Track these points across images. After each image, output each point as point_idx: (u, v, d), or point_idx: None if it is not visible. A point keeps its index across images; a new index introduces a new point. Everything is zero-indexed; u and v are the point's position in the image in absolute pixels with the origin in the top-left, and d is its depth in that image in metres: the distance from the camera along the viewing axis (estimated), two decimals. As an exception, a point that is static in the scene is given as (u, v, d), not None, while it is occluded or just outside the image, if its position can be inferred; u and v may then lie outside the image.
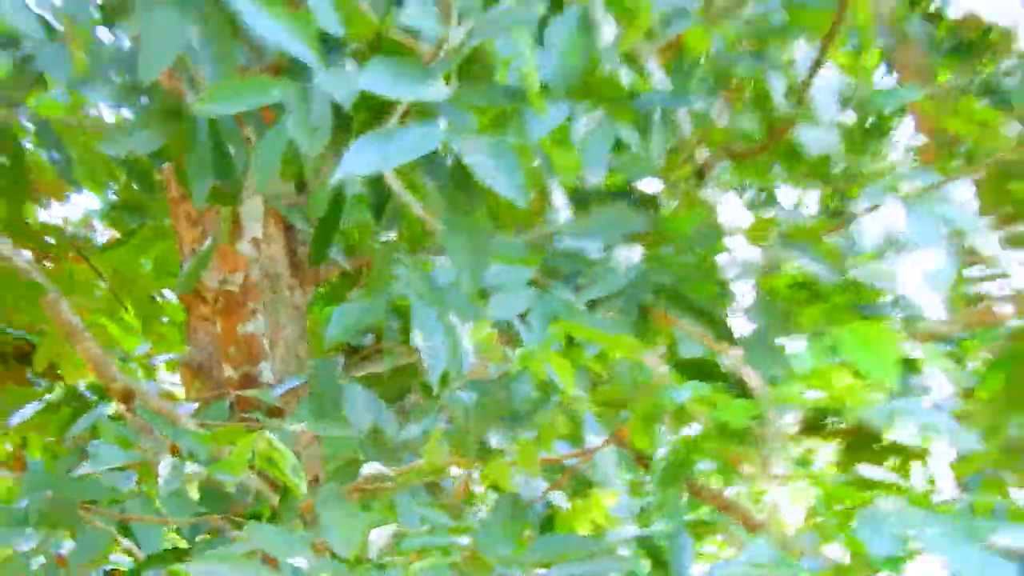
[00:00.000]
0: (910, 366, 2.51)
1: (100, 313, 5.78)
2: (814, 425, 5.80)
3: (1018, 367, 3.41)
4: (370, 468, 3.03)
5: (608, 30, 2.87)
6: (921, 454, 4.70)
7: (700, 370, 2.71)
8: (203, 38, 2.71)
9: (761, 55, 2.91)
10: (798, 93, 2.84)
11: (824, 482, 2.73)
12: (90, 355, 3.75)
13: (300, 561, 2.70)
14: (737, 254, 2.81)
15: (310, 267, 4.13)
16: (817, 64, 2.75)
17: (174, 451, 3.25)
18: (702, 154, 3.12)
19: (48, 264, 5.61)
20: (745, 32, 2.96)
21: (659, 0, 2.78)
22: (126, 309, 5.77)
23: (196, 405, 3.78)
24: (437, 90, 2.61)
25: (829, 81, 2.92)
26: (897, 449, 5.25)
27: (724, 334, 2.74)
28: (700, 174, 3.14)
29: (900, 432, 2.31)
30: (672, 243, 2.76)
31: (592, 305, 2.71)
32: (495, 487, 3.01)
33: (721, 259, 2.80)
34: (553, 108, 2.70)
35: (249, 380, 3.99)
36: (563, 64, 2.77)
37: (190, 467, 3.18)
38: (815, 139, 2.80)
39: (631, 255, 2.74)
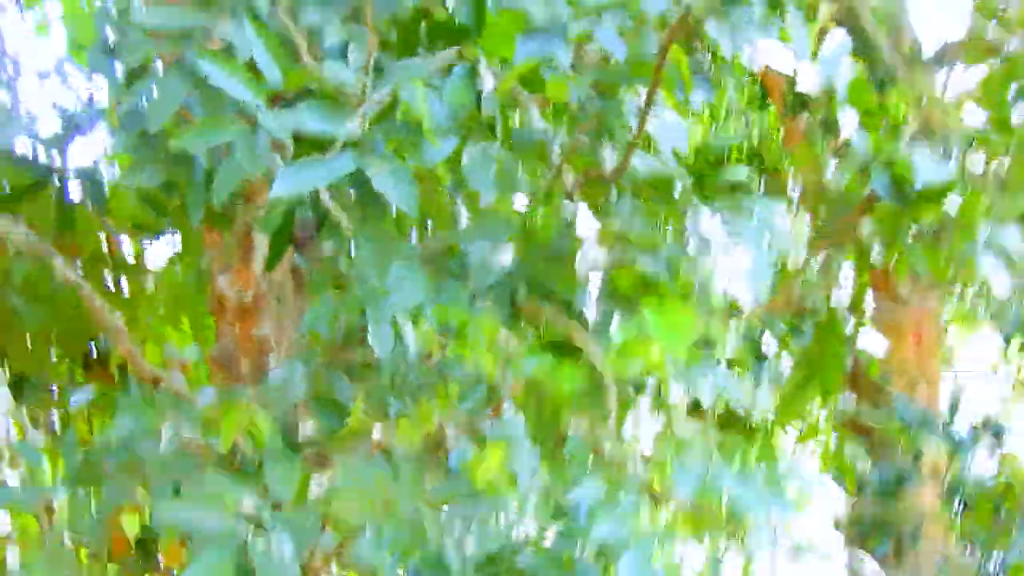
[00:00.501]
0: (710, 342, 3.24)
1: (164, 322, 6.77)
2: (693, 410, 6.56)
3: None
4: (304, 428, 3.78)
5: (489, 80, 3.65)
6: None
7: (561, 349, 3.47)
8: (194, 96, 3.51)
9: (610, 97, 3.69)
10: (638, 130, 3.60)
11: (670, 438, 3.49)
12: (127, 351, 4.78)
13: (246, 503, 3.48)
14: (589, 254, 3.58)
15: (267, 272, 4.95)
16: (647, 106, 3.51)
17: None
18: (568, 178, 3.89)
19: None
20: (601, 79, 3.74)
21: (527, 50, 3.51)
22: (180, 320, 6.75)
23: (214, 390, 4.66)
24: (352, 126, 3.39)
25: (667, 121, 3.69)
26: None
27: (579, 319, 3.50)
28: (570, 195, 3.90)
29: (700, 392, 3.00)
30: (539, 246, 3.52)
31: (475, 297, 3.47)
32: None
33: (577, 259, 3.56)
34: (445, 141, 3.45)
35: (259, 370, 5.01)
36: (453, 106, 3.52)
37: (187, 432, 3.99)
38: (648, 166, 3.56)
39: (504, 256, 3.50)
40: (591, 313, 3.50)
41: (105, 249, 6.46)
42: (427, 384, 3.67)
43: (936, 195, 3.38)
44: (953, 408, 11.27)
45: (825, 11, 3.60)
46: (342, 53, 3.66)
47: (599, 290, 3.56)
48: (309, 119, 3.36)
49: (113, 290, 6.57)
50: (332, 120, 3.38)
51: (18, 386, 6.58)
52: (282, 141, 3.37)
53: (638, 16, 3.55)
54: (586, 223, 3.60)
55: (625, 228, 3.60)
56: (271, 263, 4.11)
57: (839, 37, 3.48)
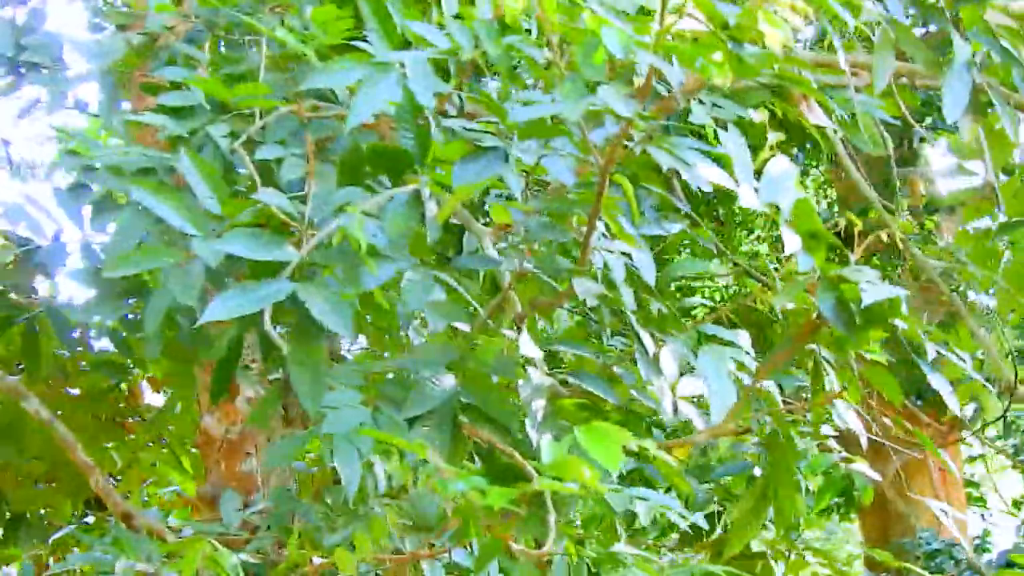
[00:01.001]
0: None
1: (167, 464, 6.83)
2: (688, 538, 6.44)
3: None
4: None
5: (432, 206, 3.65)
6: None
7: (504, 471, 3.41)
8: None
9: (554, 225, 3.68)
10: (581, 257, 3.58)
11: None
12: (101, 488, 4.80)
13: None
14: (534, 379, 3.53)
15: (212, 402, 4.90)
16: (587, 235, 3.49)
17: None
18: (516, 306, 3.86)
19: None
20: (547, 206, 3.73)
21: (465, 175, 3.50)
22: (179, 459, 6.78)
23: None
24: (287, 253, 3.37)
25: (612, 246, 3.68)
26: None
27: (519, 442, 3.44)
28: (517, 321, 3.87)
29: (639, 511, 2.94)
30: (479, 371, 3.47)
31: (415, 420, 3.41)
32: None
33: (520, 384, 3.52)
34: (383, 266, 3.43)
35: (246, 507, 4.97)
36: (393, 231, 3.50)
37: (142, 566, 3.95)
38: (587, 290, 3.53)
39: (445, 380, 3.46)
40: (534, 436, 3.44)
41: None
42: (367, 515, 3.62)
43: (881, 316, 3.33)
44: (980, 542, 11.10)
45: (773, 138, 3.61)
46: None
47: (542, 414, 3.51)
48: (242, 247, 3.35)
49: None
50: (267, 248, 3.37)
51: (15, 526, 6.56)
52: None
53: (582, 144, 3.54)
54: (528, 348, 3.55)
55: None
56: (215, 395, 4.06)
57: (784, 163, 3.46)
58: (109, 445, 6.59)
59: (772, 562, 6.75)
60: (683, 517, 2.90)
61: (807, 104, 3.84)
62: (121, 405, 6.65)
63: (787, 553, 6.90)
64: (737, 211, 10.09)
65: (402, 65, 3.54)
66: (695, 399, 3.81)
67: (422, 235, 3.76)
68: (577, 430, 2.75)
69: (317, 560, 3.73)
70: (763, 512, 4.25)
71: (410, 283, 3.46)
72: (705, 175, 3.30)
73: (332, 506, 3.88)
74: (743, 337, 4.01)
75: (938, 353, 3.54)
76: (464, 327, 3.54)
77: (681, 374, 3.88)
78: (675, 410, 3.70)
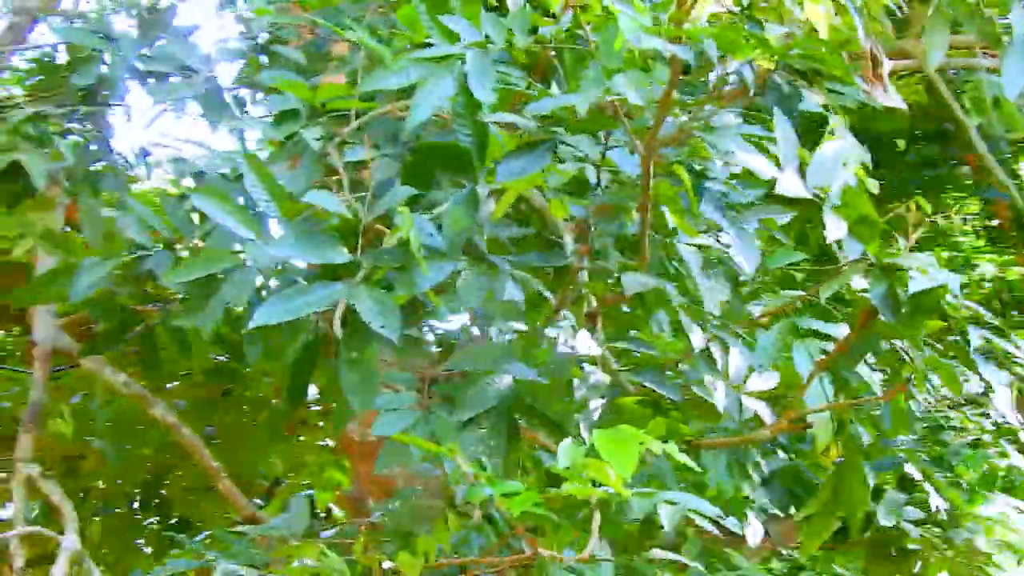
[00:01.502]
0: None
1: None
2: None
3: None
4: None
5: (491, 204, 3.60)
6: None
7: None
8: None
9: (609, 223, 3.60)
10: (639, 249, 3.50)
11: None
12: (226, 488, 4.91)
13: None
14: (592, 378, 3.47)
15: (288, 408, 4.95)
16: (642, 227, 3.40)
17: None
18: (592, 303, 3.80)
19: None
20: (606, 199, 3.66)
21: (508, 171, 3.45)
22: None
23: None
24: (339, 254, 3.38)
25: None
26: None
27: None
28: (592, 317, 3.80)
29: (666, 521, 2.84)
30: (536, 370, 3.41)
31: (470, 422, 3.38)
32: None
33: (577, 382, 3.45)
34: (436, 268, 3.40)
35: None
36: (450, 231, 3.47)
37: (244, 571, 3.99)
38: (635, 283, 3.44)
39: (502, 382, 3.41)
40: (587, 436, 3.37)
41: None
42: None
43: (933, 304, 3.16)
44: None
45: (834, 121, 3.45)
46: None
47: (598, 413, 3.44)
48: (294, 250, 3.36)
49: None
50: (319, 250, 3.38)
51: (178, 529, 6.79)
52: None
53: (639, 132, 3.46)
54: (587, 345, 3.48)
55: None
56: (293, 400, 4.08)
57: (837, 145, 3.31)
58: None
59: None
60: (714, 521, 2.78)
61: (879, 85, 3.66)
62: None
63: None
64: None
65: (462, 62, 3.51)
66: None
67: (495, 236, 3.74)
68: (594, 433, 2.68)
69: (387, 564, 3.72)
70: (835, 510, 4.10)
71: (465, 282, 3.43)
72: (745, 161, 3.18)
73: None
74: (842, 330, 3.87)
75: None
76: (521, 327, 3.48)
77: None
78: (740, 406, 3.60)
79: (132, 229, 3.99)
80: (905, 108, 3.77)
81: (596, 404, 3.45)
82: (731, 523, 2.78)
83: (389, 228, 3.47)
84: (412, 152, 3.72)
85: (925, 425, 6.61)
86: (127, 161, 7.59)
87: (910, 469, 6.37)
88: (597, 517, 2.89)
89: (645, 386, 3.54)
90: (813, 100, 4.94)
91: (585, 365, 3.49)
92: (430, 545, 3.51)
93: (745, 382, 3.75)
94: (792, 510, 5.17)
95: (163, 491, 6.98)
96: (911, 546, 6.51)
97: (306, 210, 3.56)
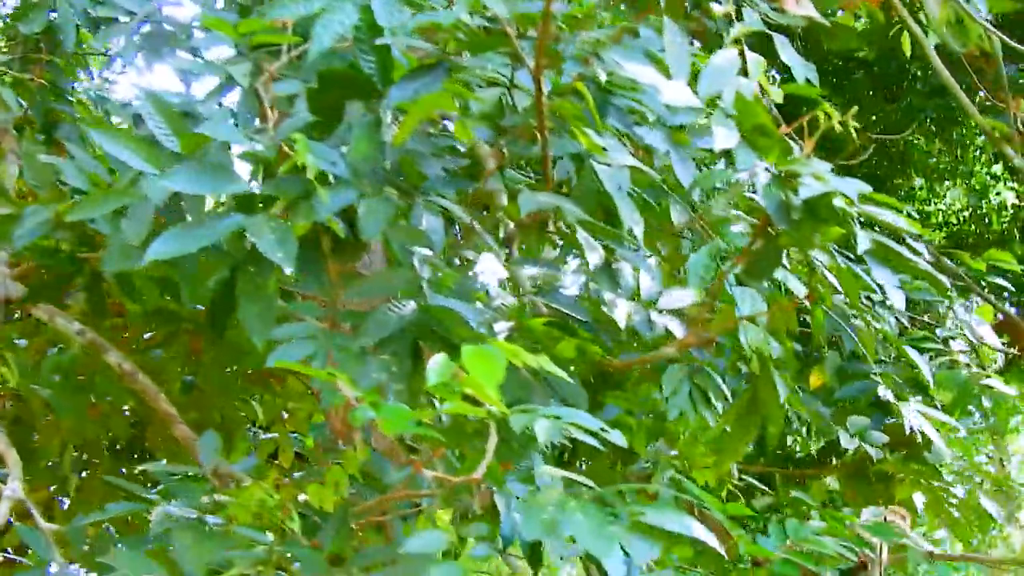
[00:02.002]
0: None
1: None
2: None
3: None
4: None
5: (391, 130, 3.56)
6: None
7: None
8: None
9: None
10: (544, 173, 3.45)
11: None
12: (183, 437, 4.87)
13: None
14: (497, 301, 3.42)
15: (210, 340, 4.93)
16: (543, 148, 3.34)
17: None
18: (508, 227, 3.75)
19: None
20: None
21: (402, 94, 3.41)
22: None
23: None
24: (237, 185, 3.34)
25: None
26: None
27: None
28: (508, 240, 3.76)
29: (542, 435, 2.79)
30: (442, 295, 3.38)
31: (373, 349, 3.35)
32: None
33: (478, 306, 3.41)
34: (337, 195, 3.35)
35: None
36: (352, 159, 3.43)
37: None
38: (532, 202, 3.39)
39: (406, 308, 3.37)
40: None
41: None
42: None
43: (825, 211, 3.09)
44: None
45: (737, 30, 3.38)
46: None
47: (504, 336, 3.40)
48: (188, 182, 3.33)
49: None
50: (214, 182, 3.35)
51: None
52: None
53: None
54: (491, 269, 3.44)
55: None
56: (211, 338, 4.04)
57: (730, 54, 3.24)
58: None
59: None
60: (596, 435, 2.73)
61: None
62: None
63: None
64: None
65: (363, -11, 3.47)
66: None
67: (410, 161, 3.70)
68: (463, 349, 2.64)
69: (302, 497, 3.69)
70: (752, 427, 4.05)
71: (367, 209, 3.38)
72: (632, 72, 3.12)
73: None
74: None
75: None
76: (428, 252, 3.44)
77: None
78: (650, 323, 3.55)
79: (70, 174, 3.95)
80: (823, 20, 3.70)
81: (503, 327, 3.42)
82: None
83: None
84: (316, 80, 3.67)
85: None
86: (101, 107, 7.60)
87: (885, 392, 6.33)
88: (493, 437, 2.86)
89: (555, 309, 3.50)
90: (755, 18, 4.88)
91: (491, 288, 3.44)
92: (340, 476, 3.48)
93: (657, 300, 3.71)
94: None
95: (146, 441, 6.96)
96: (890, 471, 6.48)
97: (207, 143, 3.53)
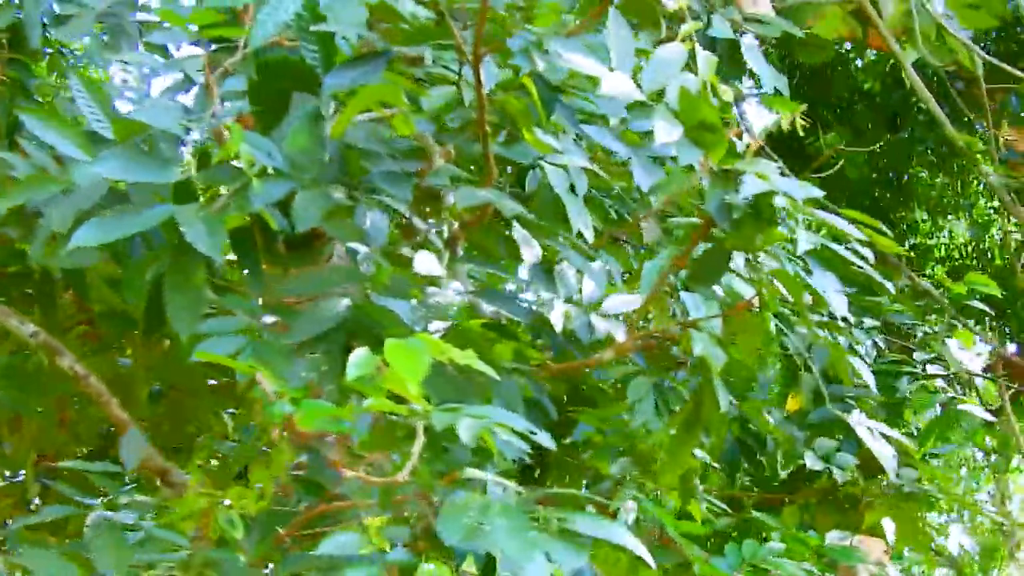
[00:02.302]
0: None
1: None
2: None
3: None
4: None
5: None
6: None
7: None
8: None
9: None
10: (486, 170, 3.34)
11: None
12: None
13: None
14: (433, 299, 3.31)
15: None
16: (483, 142, 3.24)
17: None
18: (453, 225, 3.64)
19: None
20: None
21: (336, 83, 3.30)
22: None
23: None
24: (169, 174, 3.23)
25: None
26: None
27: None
28: (453, 240, 3.65)
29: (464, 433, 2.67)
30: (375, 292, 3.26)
31: (303, 346, 3.23)
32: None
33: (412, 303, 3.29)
34: (272, 187, 3.24)
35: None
36: (289, 150, 3.32)
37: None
38: (469, 197, 3.29)
39: (339, 305, 3.26)
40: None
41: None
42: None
43: (767, 211, 2.99)
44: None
45: (687, 27, 3.28)
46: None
47: (439, 336, 3.28)
48: (119, 169, 3.21)
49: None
50: (146, 169, 3.23)
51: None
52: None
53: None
54: (427, 266, 3.32)
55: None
56: (146, 333, 3.91)
57: (676, 48, 3.14)
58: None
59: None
60: (524, 437, 2.62)
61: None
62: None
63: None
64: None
65: (308, -26, 3.37)
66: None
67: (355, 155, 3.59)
68: (386, 343, 2.54)
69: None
70: (693, 438, 3.94)
71: (302, 202, 3.27)
72: (573, 62, 3.02)
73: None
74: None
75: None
76: (363, 248, 3.32)
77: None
78: (590, 327, 3.44)
79: (20, 168, 3.82)
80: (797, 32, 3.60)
81: (438, 327, 3.30)
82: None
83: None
84: (257, 70, 3.56)
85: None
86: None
87: (858, 417, 6.22)
88: (420, 437, 2.74)
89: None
90: (724, 27, 4.79)
91: (428, 287, 3.33)
92: (264, 477, 3.35)
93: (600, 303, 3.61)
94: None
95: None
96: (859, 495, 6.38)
97: (143, 130, 3.42)
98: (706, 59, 3.15)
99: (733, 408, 4.12)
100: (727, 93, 3.16)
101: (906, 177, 11.35)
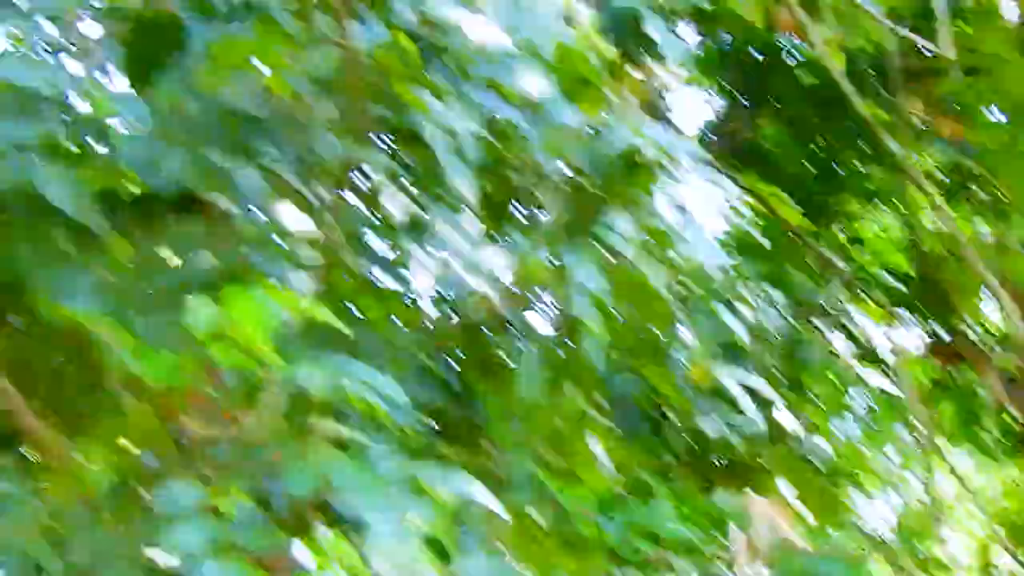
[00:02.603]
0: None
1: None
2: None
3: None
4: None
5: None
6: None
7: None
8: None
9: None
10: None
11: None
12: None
13: None
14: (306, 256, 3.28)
15: None
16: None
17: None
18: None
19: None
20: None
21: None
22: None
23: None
24: (26, 130, 3.16)
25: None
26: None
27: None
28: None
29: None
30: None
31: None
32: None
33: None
34: (137, 144, 3.20)
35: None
36: (160, 106, 3.27)
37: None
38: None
39: (207, 260, 3.22)
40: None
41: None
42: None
43: (634, 165, 2.95)
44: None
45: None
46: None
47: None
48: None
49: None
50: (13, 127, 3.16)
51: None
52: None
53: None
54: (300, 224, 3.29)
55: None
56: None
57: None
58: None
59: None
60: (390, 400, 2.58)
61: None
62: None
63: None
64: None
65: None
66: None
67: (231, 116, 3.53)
68: (225, 292, 2.50)
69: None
70: (562, 394, 3.90)
71: (170, 160, 3.22)
72: (438, 11, 2.98)
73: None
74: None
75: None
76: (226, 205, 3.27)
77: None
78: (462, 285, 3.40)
79: None
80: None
81: (305, 283, 3.26)
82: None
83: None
84: (131, 30, 3.51)
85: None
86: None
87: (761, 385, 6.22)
88: (271, 391, 2.70)
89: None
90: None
91: (299, 244, 3.29)
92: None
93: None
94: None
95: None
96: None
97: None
98: (588, 15, 3.12)
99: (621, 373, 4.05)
100: (610, 51, 3.13)
101: (840, 167, 11.36)
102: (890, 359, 7.51)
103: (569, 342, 3.75)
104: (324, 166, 3.53)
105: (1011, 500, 12.15)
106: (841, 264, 7.29)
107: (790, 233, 7.54)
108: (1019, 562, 9.61)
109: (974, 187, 8.29)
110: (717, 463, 6.23)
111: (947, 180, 8.76)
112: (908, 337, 10.70)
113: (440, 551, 4.36)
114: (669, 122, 8.05)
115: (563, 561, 4.55)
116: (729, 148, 8.92)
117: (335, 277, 3.32)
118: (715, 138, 9.34)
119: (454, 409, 4.27)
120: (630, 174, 3.01)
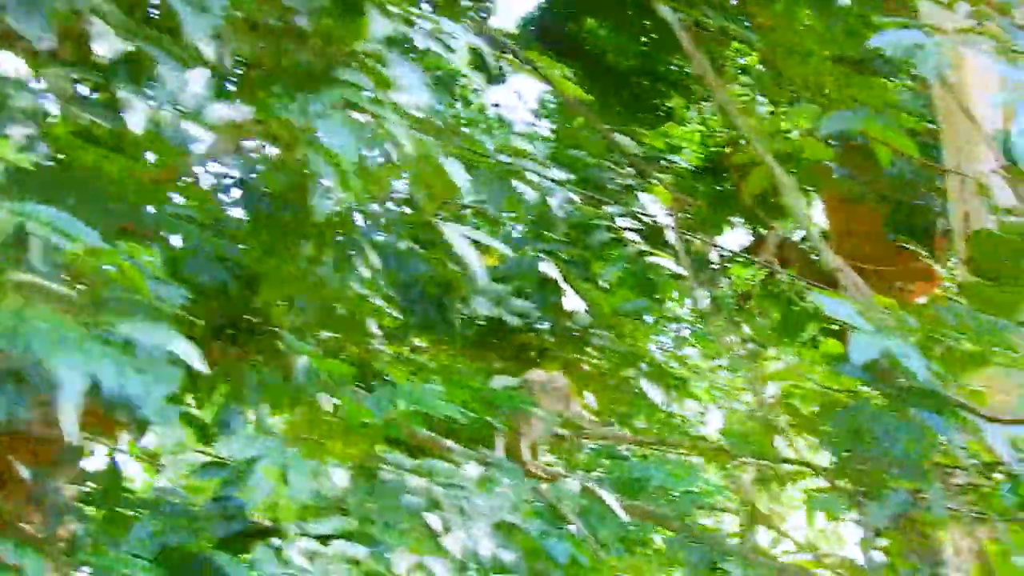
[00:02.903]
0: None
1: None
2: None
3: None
4: None
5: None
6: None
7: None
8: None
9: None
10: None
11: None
12: None
13: None
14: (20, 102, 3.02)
15: None
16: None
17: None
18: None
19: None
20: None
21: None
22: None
23: None
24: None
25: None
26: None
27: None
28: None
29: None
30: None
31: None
32: None
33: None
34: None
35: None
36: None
37: None
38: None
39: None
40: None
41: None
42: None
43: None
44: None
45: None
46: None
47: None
48: None
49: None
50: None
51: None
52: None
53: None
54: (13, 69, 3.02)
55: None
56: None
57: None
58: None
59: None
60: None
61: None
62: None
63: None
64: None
65: None
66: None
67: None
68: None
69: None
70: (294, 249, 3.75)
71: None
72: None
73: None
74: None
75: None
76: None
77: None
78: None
79: None
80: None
81: (20, 132, 3.00)
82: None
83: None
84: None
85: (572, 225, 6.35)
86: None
87: (549, 269, 6.15)
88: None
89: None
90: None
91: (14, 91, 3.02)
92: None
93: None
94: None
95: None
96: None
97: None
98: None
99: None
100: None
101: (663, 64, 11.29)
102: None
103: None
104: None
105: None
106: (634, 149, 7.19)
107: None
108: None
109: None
110: (502, 346, 6.16)
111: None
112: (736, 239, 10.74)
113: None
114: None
115: (330, 443, 4.41)
116: (550, 43, 8.81)
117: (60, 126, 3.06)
118: (534, 30, 9.24)
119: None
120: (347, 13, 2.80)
